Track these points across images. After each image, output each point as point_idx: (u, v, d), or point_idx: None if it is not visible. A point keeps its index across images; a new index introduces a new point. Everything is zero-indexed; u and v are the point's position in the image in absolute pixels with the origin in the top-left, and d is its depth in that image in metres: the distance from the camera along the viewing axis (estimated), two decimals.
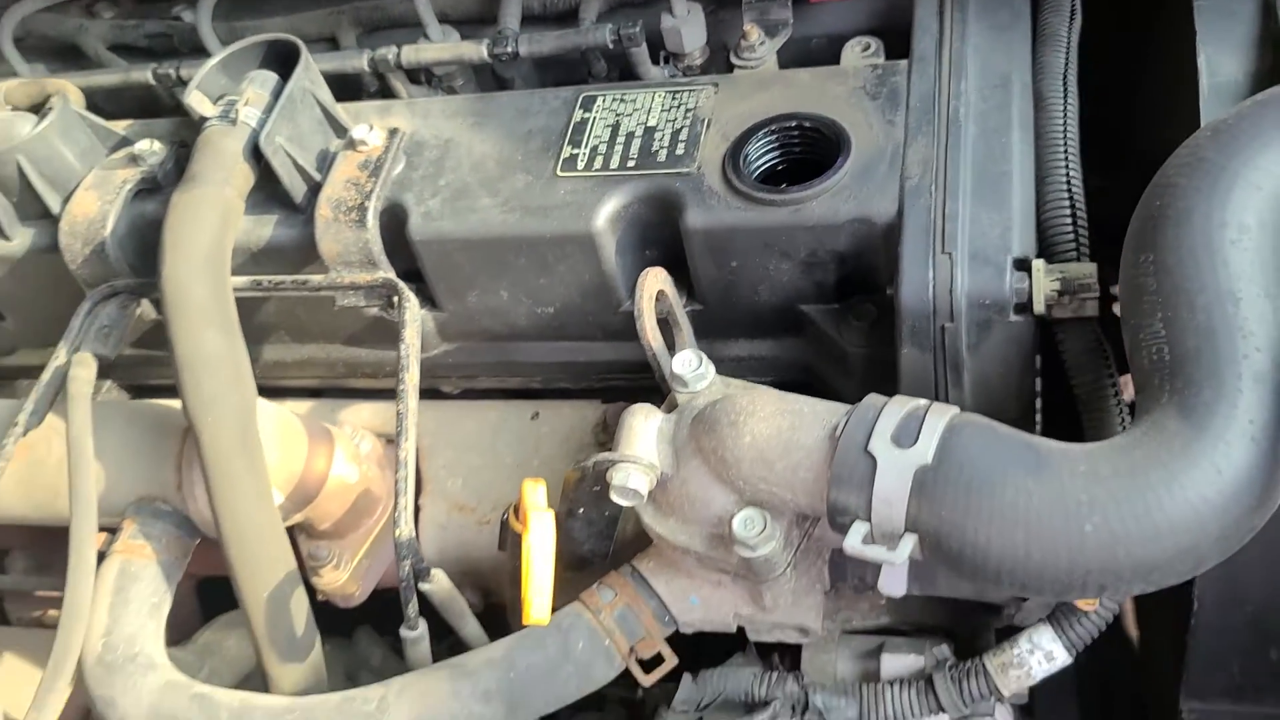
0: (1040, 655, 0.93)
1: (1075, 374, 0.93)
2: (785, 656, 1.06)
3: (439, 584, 0.98)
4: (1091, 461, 0.74)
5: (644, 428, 0.89)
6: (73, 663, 0.97)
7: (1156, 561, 0.71)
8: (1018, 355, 0.93)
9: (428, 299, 1.15)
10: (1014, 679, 0.94)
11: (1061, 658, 0.93)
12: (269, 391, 1.17)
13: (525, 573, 0.84)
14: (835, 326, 1.02)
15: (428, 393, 1.26)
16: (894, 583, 0.82)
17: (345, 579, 1.14)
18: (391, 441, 1.25)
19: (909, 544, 0.76)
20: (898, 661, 1.00)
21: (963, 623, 1.05)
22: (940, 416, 0.78)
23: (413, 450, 1.00)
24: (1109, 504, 0.71)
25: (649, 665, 0.97)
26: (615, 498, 0.87)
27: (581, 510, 0.98)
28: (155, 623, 1.05)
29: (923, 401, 0.81)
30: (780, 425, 0.83)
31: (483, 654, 0.95)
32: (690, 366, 0.93)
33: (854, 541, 0.77)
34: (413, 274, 1.13)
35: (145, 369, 1.29)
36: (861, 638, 1.06)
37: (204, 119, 1.11)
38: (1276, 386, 0.72)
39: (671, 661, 0.96)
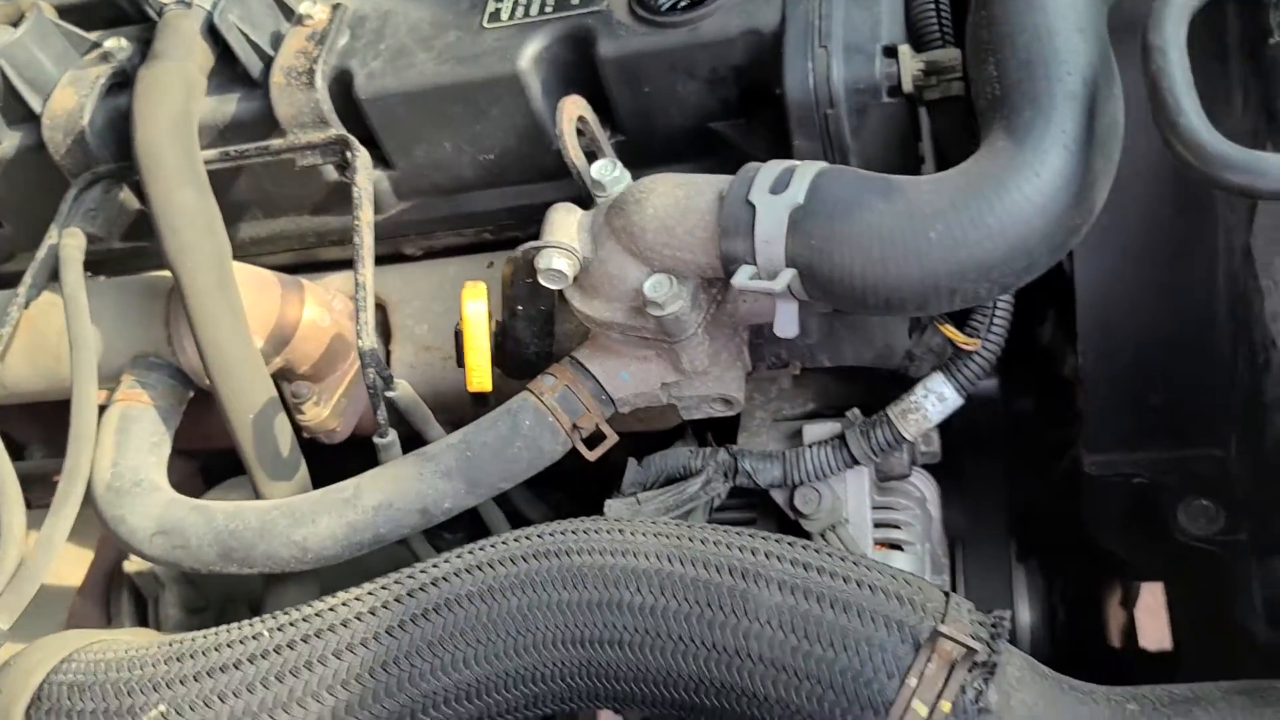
0: (934, 398, 1.04)
1: (947, 148, 1.04)
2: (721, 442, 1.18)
3: (404, 391, 1.10)
4: (935, 183, 0.85)
5: (565, 219, 1.00)
6: (83, 482, 1.09)
7: (993, 259, 0.83)
8: (896, 135, 1.04)
9: (381, 160, 1.26)
10: (913, 422, 1.05)
11: (952, 398, 1.04)
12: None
13: (466, 346, 0.96)
14: (742, 137, 1.13)
15: (392, 256, 1.38)
16: (785, 324, 0.93)
17: (327, 414, 1.26)
18: None
19: (787, 276, 0.87)
20: (817, 429, 1.11)
21: (874, 399, 1.15)
22: (811, 167, 0.90)
23: (370, 275, 1.11)
24: (948, 212, 0.83)
25: (593, 445, 1.09)
26: (543, 281, 0.98)
27: (520, 308, 1.10)
28: (156, 457, 1.18)
29: (798, 161, 0.92)
30: (677, 195, 0.94)
31: (443, 441, 1.07)
32: (606, 171, 1.04)
33: (741, 279, 0.89)
34: (367, 141, 1.25)
35: (134, 262, 1.41)
36: (790, 423, 1.17)
37: (164, 6, 1.23)
38: (1085, 103, 0.83)
39: (612, 438, 1.08)
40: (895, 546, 1.14)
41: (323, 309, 1.25)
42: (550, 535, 0.95)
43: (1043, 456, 1.68)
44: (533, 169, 1.24)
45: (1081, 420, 1.15)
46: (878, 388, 1.18)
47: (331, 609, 0.94)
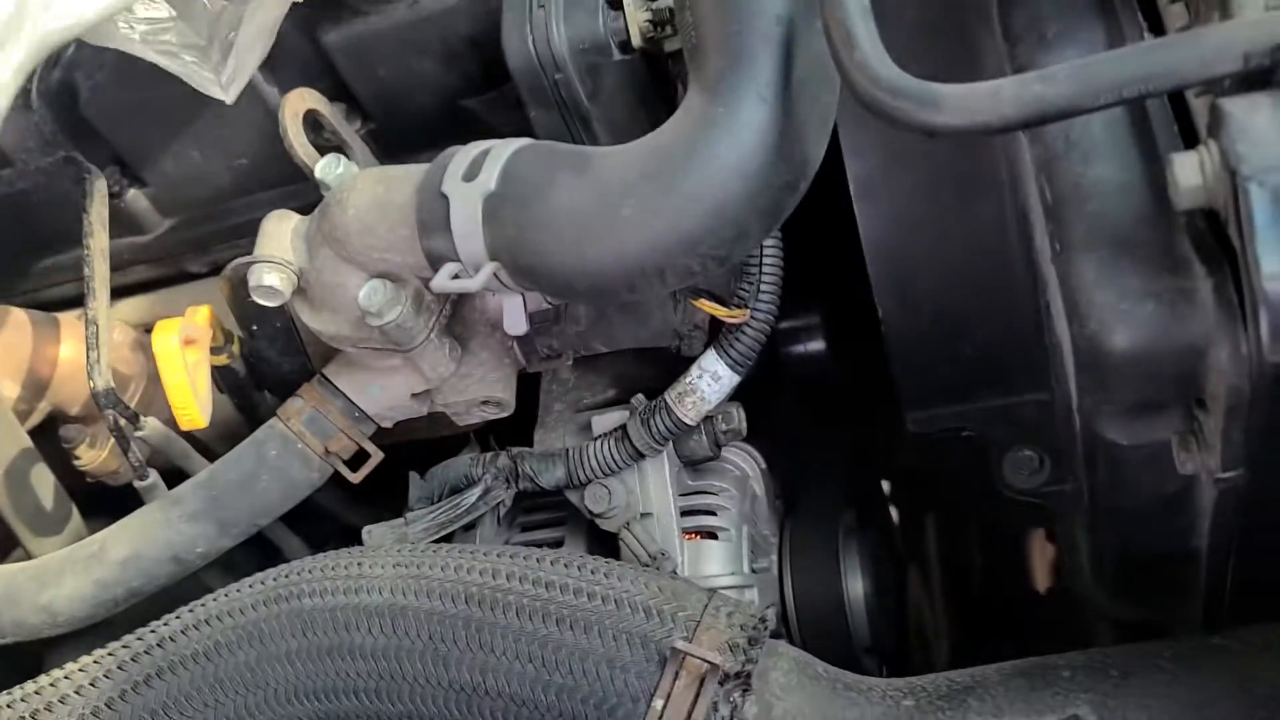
0: (708, 378, 0.96)
1: None
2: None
3: (152, 428, 1.01)
4: (627, 152, 0.76)
5: (278, 229, 0.92)
6: None
7: (697, 231, 0.74)
8: (636, 95, 0.95)
9: (135, 178, 1.18)
10: (690, 406, 0.97)
11: (728, 376, 0.96)
12: (35, 305, 1.21)
13: (165, 385, 0.88)
14: (492, 112, 1.04)
15: (177, 276, 1.30)
16: (514, 322, 0.85)
17: (104, 456, 1.17)
18: (150, 330, 1.29)
19: (486, 272, 0.78)
20: (605, 420, 1.03)
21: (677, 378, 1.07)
22: (506, 147, 0.81)
23: (103, 310, 1.03)
24: (640, 183, 0.74)
25: (357, 465, 1.01)
26: (256, 298, 0.90)
27: (256, 327, 1.01)
28: None
29: (498, 141, 0.83)
30: (376, 192, 0.85)
31: (190, 481, 0.99)
32: (330, 169, 0.95)
33: (442, 280, 0.80)
34: (116, 159, 1.16)
35: None
36: (587, 414, 1.09)
37: None
38: (783, 46, 0.73)
39: (376, 456, 1.00)
40: (709, 534, 1.06)
41: (84, 344, 1.16)
42: (283, 578, 0.87)
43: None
44: (293, 170, 1.14)
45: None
46: (681, 366, 1.09)
47: (53, 683, 0.86)
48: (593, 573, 0.82)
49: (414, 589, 0.82)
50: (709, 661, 0.74)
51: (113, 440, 1.18)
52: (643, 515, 1.02)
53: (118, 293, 1.29)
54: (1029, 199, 0.90)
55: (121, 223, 1.19)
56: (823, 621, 1.09)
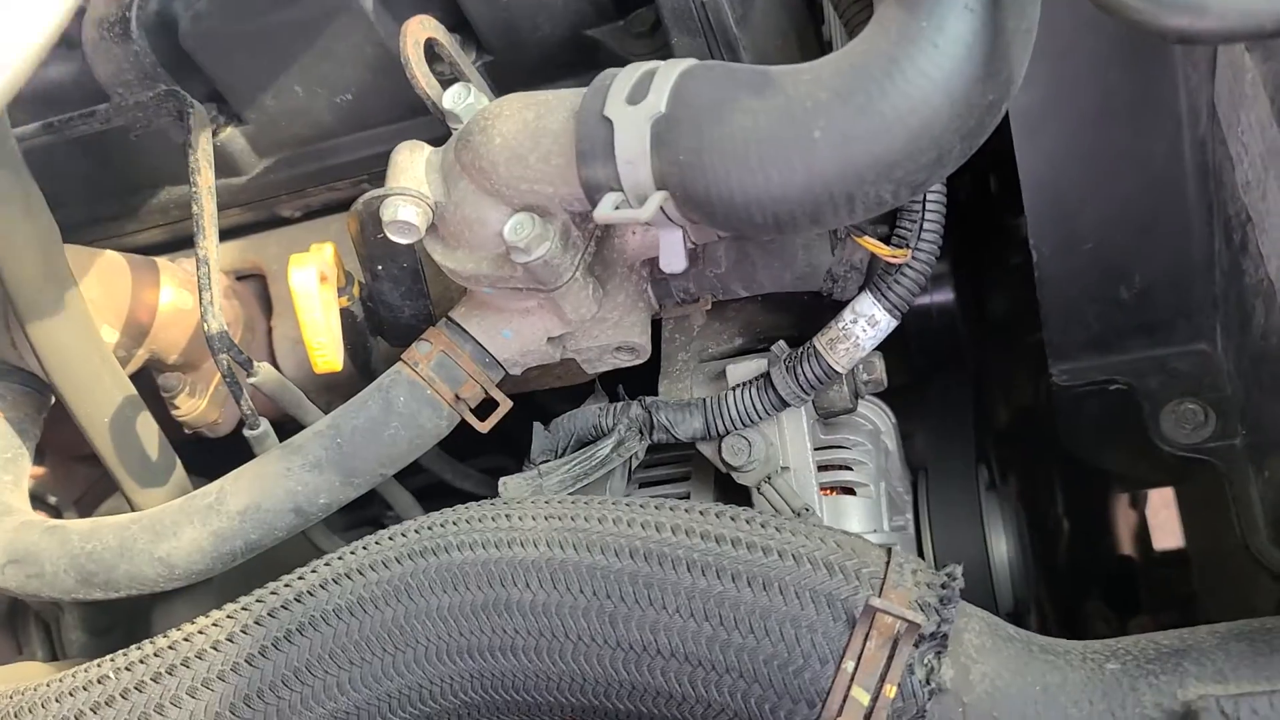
0: (864, 323, 0.90)
1: (855, 30, 0.89)
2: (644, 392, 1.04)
3: (266, 374, 0.96)
4: (816, 70, 0.70)
5: (410, 160, 0.86)
6: None
7: (894, 154, 0.68)
8: (790, 20, 0.89)
9: (233, 115, 1.12)
10: (843, 353, 0.91)
11: (885, 321, 0.90)
12: (124, 249, 1.16)
13: (300, 324, 0.82)
14: (621, 42, 0.98)
15: (269, 221, 1.24)
16: (672, 258, 0.79)
17: (204, 406, 1.13)
18: (241, 277, 1.24)
19: (656, 201, 0.72)
20: (742, 368, 0.97)
21: (810, 325, 1.02)
22: (674, 67, 0.75)
23: (213, 249, 0.97)
24: (833, 103, 0.68)
25: (484, 414, 0.96)
26: (391, 234, 0.84)
27: (381, 268, 0.96)
28: (12, 475, 1.05)
29: (662, 61, 0.77)
30: (526, 118, 0.80)
31: (311, 429, 0.94)
32: (459, 99, 0.89)
33: (605, 209, 0.74)
34: (214, 95, 1.10)
35: None
36: (714, 363, 1.03)
37: None
38: None
39: (505, 405, 0.95)
40: (847, 490, 1.01)
41: (184, 289, 1.11)
42: (428, 530, 0.82)
43: (1026, 360, 1.54)
44: (400, 105, 1.08)
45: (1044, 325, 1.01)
46: (813, 313, 1.04)
47: (187, 638, 0.82)
48: (763, 526, 0.77)
49: (572, 542, 0.77)
50: (908, 620, 0.69)
51: (212, 390, 1.14)
52: (781, 469, 0.97)
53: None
54: (1214, 131, 0.84)
55: (216, 163, 1.13)
56: (967, 583, 1.03)
